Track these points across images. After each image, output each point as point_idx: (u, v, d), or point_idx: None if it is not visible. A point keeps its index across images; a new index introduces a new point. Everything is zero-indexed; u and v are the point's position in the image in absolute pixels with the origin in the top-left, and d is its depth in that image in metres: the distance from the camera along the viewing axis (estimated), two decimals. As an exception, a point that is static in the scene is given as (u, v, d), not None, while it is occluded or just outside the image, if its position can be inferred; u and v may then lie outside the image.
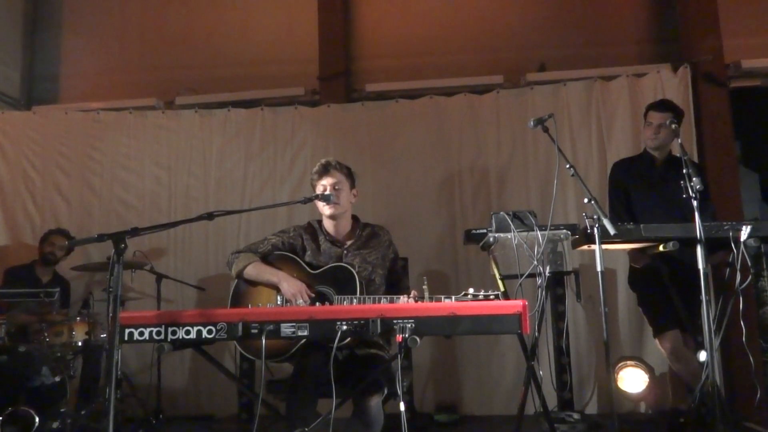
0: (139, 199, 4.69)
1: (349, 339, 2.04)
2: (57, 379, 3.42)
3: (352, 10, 5.09)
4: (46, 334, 3.58)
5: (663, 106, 3.26)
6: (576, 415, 3.64)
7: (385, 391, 2.32)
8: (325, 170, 2.67)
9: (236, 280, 2.63)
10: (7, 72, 5.20)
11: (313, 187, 2.71)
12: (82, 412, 3.53)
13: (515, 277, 2.69)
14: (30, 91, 5.36)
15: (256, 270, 2.56)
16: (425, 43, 4.98)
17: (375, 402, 2.27)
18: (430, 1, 5.07)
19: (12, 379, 3.35)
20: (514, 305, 1.93)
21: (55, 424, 3.30)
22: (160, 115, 4.81)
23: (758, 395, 2.91)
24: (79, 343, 3.69)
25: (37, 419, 3.15)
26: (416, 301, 2.31)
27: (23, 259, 4.35)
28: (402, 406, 1.91)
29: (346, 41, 5.00)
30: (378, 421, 2.27)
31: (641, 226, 2.61)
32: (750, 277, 2.55)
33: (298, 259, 2.61)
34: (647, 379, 3.77)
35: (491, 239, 2.84)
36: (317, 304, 2.42)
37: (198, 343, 2.19)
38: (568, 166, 2.59)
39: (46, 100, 5.27)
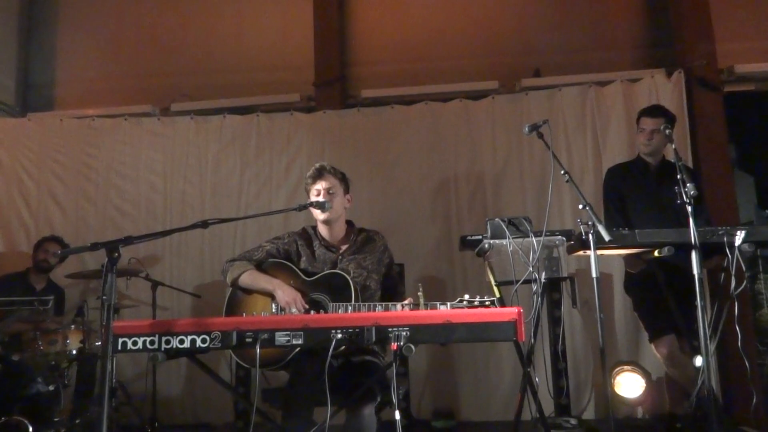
0: (135, 205, 4.68)
1: (343, 347, 2.03)
2: (51, 387, 3.39)
3: (347, 16, 5.10)
4: (40, 343, 3.55)
5: (655, 111, 3.27)
6: (573, 421, 3.63)
7: (378, 399, 2.31)
8: (319, 174, 2.67)
9: (231, 288, 2.62)
10: (1, 79, 5.18)
11: (307, 192, 2.71)
12: (77, 421, 3.52)
13: (511, 283, 2.69)
14: (25, 98, 5.34)
15: (250, 278, 2.56)
16: (421, 49, 4.99)
17: (368, 411, 2.25)
18: (426, 6, 5.08)
19: (6, 387, 3.33)
20: (510, 312, 1.92)
21: (49, 433, 3.28)
22: (155, 122, 4.81)
23: (754, 400, 2.91)
24: (74, 352, 3.67)
25: (31, 428, 3.13)
26: (411, 308, 2.31)
27: (18, 266, 4.32)
28: (398, 414, 1.90)
29: (341, 47, 5.01)
30: (371, 430, 2.26)
31: (636, 231, 2.61)
32: (745, 282, 2.56)
33: (293, 266, 2.60)
34: (644, 384, 3.77)
35: (486, 245, 2.84)
36: (312, 312, 2.41)
37: (192, 353, 2.17)
38: (562, 172, 2.60)
39: (41, 107, 5.25)
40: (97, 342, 3.79)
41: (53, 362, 3.56)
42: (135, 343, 2.04)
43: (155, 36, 5.28)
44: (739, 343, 2.61)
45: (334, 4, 5.02)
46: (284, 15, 5.17)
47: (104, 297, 1.92)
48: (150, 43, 5.27)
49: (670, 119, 3.15)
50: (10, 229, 4.70)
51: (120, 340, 2.04)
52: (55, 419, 3.36)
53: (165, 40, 5.26)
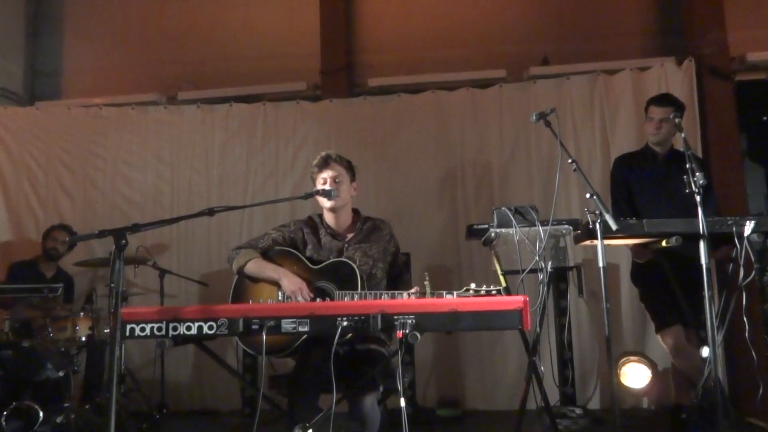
0: (142, 194, 4.70)
1: (350, 335, 2.03)
2: (61, 374, 3.43)
3: (353, 4, 5.07)
4: (49, 330, 3.59)
5: (664, 100, 3.23)
6: (578, 410, 3.64)
7: (381, 389, 2.31)
8: (325, 163, 2.67)
9: (237, 276, 2.63)
10: (9, 68, 5.20)
11: (314, 181, 2.71)
12: (86, 407, 3.56)
13: (517, 272, 2.68)
14: (33, 87, 5.37)
15: (256, 266, 2.56)
16: (427, 37, 4.95)
17: (369, 401, 2.25)
18: (433, -6, 5.04)
19: (16, 374, 3.38)
20: (515, 301, 1.92)
21: (59, 419, 3.32)
22: (162, 111, 4.81)
23: (761, 391, 2.90)
24: (83, 338, 3.70)
25: (41, 414, 3.18)
26: (417, 297, 2.31)
27: (27, 254, 4.37)
28: (402, 402, 1.91)
29: (347, 36, 4.98)
30: (373, 419, 2.25)
31: (644, 221, 2.59)
32: (754, 272, 2.54)
33: (299, 254, 2.61)
34: (650, 375, 3.76)
35: (493, 234, 2.83)
36: (318, 300, 2.42)
37: (199, 339, 2.19)
38: (570, 160, 2.58)
39: (48, 95, 5.28)
40: (106, 329, 3.82)
41: (63, 349, 3.59)
42: (143, 330, 2.06)
43: (162, 25, 5.27)
44: (747, 335, 2.59)
45: (340, -8, 5.00)
46: (291, 3, 5.15)
47: (112, 284, 1.93)
48: (157, 32, 5.26)
49: (679, 108, 3.11)
50: (19, 217, 4.74)
51: (128, 327, 2.06)
52: (65, 405, 3.40)
53: (172, 29, 5.25)
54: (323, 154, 2.69)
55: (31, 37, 5.40)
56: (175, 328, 2.04)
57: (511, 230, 2.74)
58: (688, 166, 2.44)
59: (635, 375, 3.80)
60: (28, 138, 4.82)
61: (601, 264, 2.39)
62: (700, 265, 2.38)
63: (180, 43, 5.20)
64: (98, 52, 5.30)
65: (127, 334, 2.06)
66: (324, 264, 2.55)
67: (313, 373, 2.19)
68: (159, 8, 5.30)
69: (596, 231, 2.41)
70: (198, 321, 2.04)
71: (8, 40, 5.21)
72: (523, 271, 2.63)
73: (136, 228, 2.05)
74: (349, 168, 2.72)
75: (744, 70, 4.55)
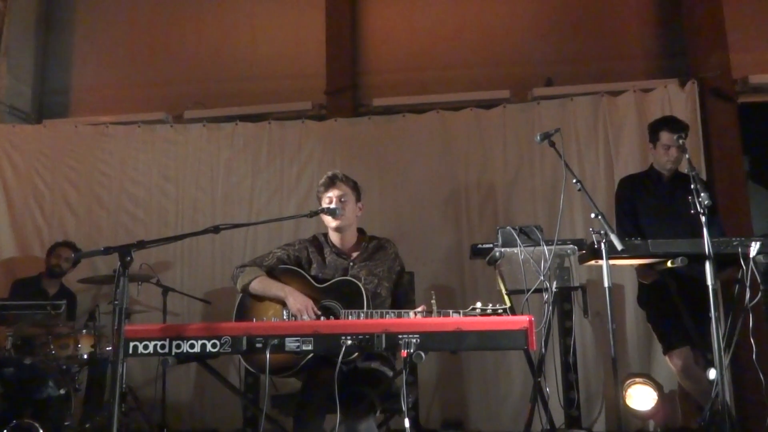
0: (147, 212, 4.71)
1: (356, 354, 2.02)
2: (62, 391, 3.41)
3: (359, 24, 5.13)
4: (52, 347, 3.58)
5: (678, 125, 3.19)
6: (584, 433, 3.59)
7: (378, 411, 2.28)
8: (331, 182, 2.68)
9: (241, 294, 2.62)
10: (18, 86, 5.26)
11: (319, 200, 2.72)
12: (87, 425, 3.53)
13: (522, 292, 2.67)
14: (41, 105, 5.42)
15: (262, 284, 2.56)
16: (432, 58, 5.00)
17: (365, 426, 2.20)
18: (437, 15, 5.10)
19: (17, 391, 3.35)
20: (521, 321, 1.91)
21: (59, 438, 3.29)
22: (168, 129, 4.85)
23: (770, 414, 2.86)
24: (85, 356, 3.69)
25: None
26: (424, 316, 2.30)
27: (31, 271, 4.37)
28: (407, 423, 1.89)
29: (353, 56, 5.04)
30: None
31: (649, 241, 2.58)
32: (760, 293, 2.52)
33: (304, 273, 2.61)
34: (656, 397, 3.70)
35: (497, 254, 2.83)
36: (323, 318, 2.41)
37: (202, 357, 2.18)
38: (574, 180, 2.59)
39: (56, 114, 5.33)
40: (108, 347, 3.81)
41: (64, 366, 3.58)
42: (146, 347, 2.05)
43: (169, 44, 5.35)
44: (754, 356, 2.56)
45: (346, 13, 5.07)
46: (297, 24, 5.22)
47: (116, 301, 1.93)
48: (164, 52, 5.33)
49: (686, 130, 3.14)
50: (24, 233, 4.74)
51: (131, 344, 2.05)
52: (66, 423, 3.37)
53: (179, 49, 5.32)
54: (329, 173, 2.71)
55: (40, 56, 5.47)
56: (178, 346, 2.04)
57: (515, 250, 2.74)
58: (692, 187, 2.44)
59: (641, 397, 3.74)
60: (35, 155, 4.85)
61: (606, 284, 2.38)
62: (707, 286, 2.37)
63: (187, 62, 5.26)
64: (106, 71, 5.36)
65: (130, 351, 2.05)
66: (329, 282, 2.54)
67: (320, 394, 2.17)
68: (166, 28, 5.37)
69: (601, 251, 2.41)
70: (201, 339, 2.03)
71: (18, 60, 5.28)
72: (528, 290, 2.62)
73: (141, 245, 2.05)
74: (355, 188, 2.73)
75: (747, 93, 4.57)
